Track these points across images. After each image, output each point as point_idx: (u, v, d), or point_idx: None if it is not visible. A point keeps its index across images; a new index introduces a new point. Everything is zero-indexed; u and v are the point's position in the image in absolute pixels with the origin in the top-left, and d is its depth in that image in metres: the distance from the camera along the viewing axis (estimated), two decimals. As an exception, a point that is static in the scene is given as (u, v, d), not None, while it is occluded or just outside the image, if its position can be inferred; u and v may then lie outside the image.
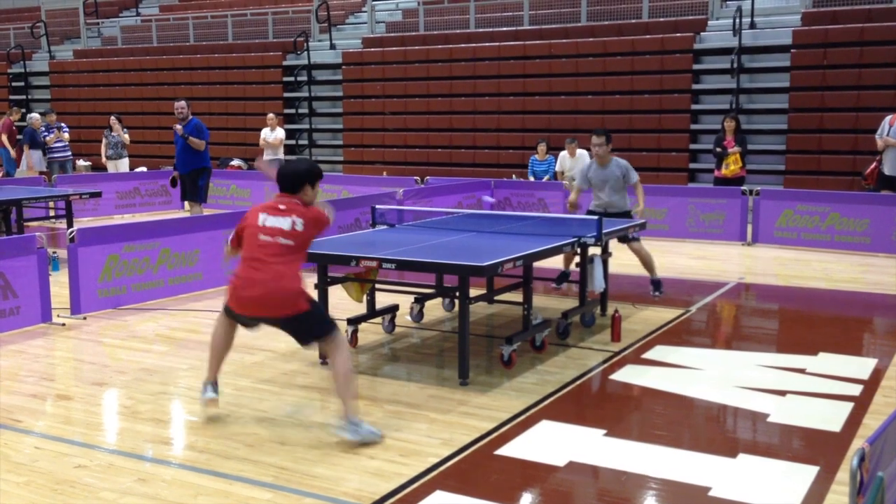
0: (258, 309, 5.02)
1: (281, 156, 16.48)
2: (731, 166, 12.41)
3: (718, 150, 12.57)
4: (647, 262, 8.55)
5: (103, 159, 16.15)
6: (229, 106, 19.55)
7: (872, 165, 11.93)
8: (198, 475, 4.49)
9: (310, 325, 5.06)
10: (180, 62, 20.64)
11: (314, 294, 5.47)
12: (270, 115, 16.40)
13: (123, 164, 16.07)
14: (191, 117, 11.64)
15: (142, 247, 8.32)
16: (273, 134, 16.17)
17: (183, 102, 11.65)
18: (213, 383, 5.33)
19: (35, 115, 16.32)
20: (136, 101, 20.61)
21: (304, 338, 5.15)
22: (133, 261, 8.23)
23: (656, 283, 8.60)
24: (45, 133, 16.27)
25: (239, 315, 5.16)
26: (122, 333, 7.38)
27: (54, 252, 9.49)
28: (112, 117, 16.15)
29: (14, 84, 23.32)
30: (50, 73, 22.85)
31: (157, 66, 20.87)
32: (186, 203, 12.43)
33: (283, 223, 4.98)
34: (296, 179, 5.09)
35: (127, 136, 16.09)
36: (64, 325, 7.55)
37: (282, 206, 5.03)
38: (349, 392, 4.97)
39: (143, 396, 5.70)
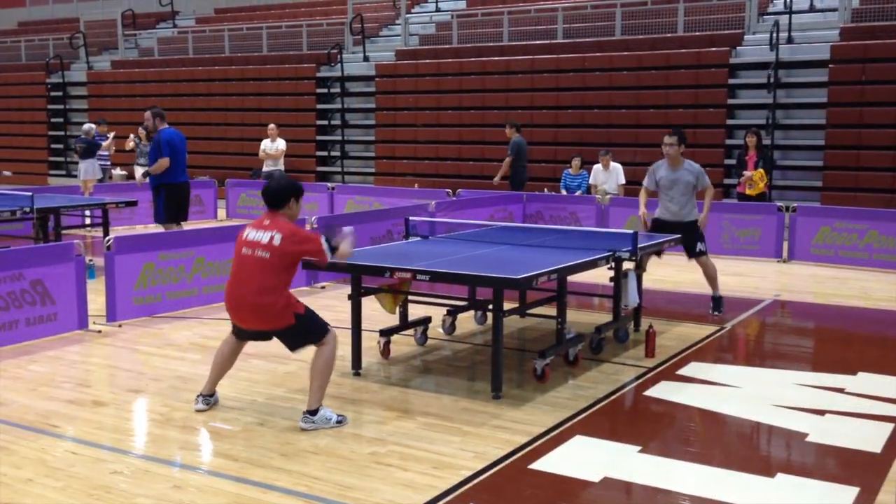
0: (248, 321, 5.34)
1: (281, 167, 16.37)
2: (759, 184, 12.14)
3: (737, 166, 12.40)
4: (710, 277, 8.30)
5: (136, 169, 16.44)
6: (262, 117, 19.67)
7: None
8: (232, 483, 4.50)
9: (299, 335, 5.33)
10: (216, 73, 20.86)
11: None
12: (271, 126, 16.41)
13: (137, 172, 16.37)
14: (163, 126, 10.52)
15: (177, 255, 8.39)
16: (273, 145, 16.15)
17: (149, 113, 10.62)
18: (205, 395, 5.64)
19: (92, 126, 16.85)
20: (171, 112, 20.61)
21: (294, 345, 5.42)
22: (168, 269, 8.30)
23: (717, 301, 8.33)
24: (100, 141, 16.81)
25: (241, 329, 5.46)
26: (156, 341, 7.44)
27: (91, 260, 9.60)
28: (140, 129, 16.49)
29: (53, 94, 23.70)
30: (88, 83, 23.20)
31: (193, 77, 21.11)
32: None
33: (264, 237, 5.24)
34: (280, 196, 5.35)
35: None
36: (100, 332, 7.63)
37: (266, 222, 5.32)
38: (317, 383, 5.27)
39: (178, 404, 5.74)
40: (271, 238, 5.19)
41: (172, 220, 10.57)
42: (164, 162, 10.33)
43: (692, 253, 8.26)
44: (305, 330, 5.30)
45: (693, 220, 8.21)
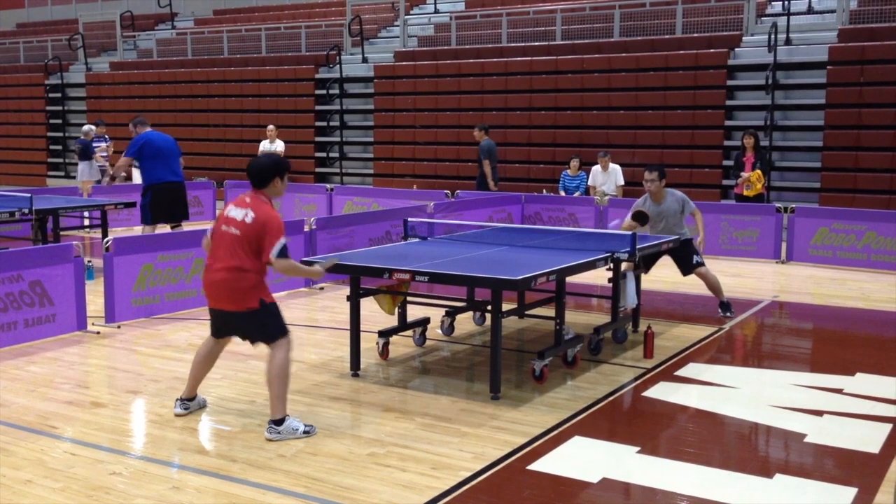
0: (216, 300, 5.22)
1: None
2: (757, 185, 12.16)
3: (735, 167, 12.42)
4: (713, 286, 8.31)
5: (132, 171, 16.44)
6: (261, 118, 19.70)
7: None
8: (230, 484, 4.50)
9: (259, 323, 5.18)
10: (214, 75, 20.86)
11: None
12: (270, 127, 16.47)
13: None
14: (144, 130, 10.59)
15: (175, 257, 8.40)
16: (272, 146, 16.16)
17: (131, 124, 10.72)
18: (185, 399, 5.57)
19: (92, 127, 16.86)
20: (170, 113, 20.86)
21: (255, 336, 5.28)
22: (167, 270, 8.30)
23: (725, 305, 8.36)
24: (98, 143, 16.85)
25: (214, 315, 5.33)
26: (155, 342, 7.44)
27: (89, 261, 9.59)
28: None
29: (51, 95, 23.69)
30: (86, 84, 23.18)
31: (192, 79, 21.10)
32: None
33: (239, 214, 5.17)
34: (264, 174, 5.25)
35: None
36: (98, 333, 7.63)
37: (247, 200, 5.24)
38: (275, 391, 5.14)
39: (177, 405, 5.74)
40: (245, 215, 5.12)
41: (157, 222, 10.63)
42: (122, 161, 10.70)
43: (689, 268, 8.22)
44: (266, 320, 5.16)
45: (688, 239, 8.16)
